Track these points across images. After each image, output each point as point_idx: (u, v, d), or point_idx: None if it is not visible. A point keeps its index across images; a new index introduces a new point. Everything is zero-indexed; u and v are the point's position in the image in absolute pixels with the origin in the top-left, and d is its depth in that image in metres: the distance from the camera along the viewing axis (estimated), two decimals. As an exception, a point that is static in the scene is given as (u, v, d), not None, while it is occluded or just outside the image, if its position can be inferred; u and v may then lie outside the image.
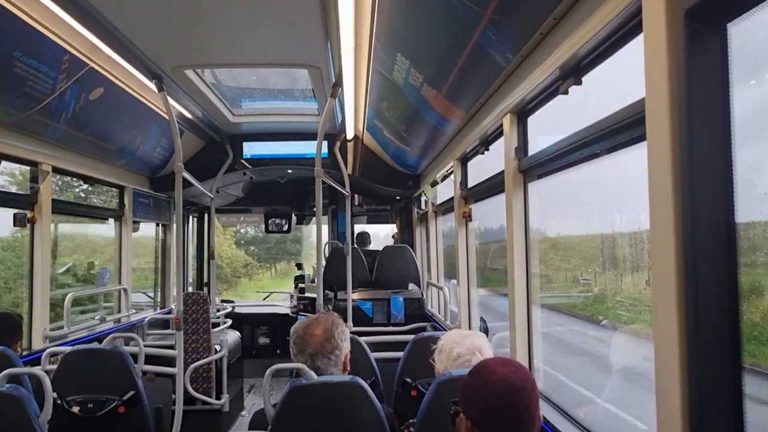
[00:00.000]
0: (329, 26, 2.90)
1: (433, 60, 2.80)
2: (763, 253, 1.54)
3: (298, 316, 5.85)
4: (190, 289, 7.71)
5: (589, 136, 1.92)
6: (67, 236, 8.07)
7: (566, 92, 2.11)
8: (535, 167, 2.55)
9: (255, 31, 3.10)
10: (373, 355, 3.25)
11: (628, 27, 1.59)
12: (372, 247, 7.65)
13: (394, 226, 8.23)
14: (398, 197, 6.87)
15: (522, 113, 2.64)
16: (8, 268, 7.03)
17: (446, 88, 2.95)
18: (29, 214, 3.99)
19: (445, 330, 4.08)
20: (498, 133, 3.03)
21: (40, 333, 3.97)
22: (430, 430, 2.12)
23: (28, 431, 2.32)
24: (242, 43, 3.30)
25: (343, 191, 4.90)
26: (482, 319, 4.00)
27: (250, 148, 5.82)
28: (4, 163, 3.71)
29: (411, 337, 3.28)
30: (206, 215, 7.69)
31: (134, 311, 5.58)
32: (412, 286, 5.79)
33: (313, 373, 2.21)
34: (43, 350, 3.54)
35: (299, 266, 8.43)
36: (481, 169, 3.73)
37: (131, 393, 3.22)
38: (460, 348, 2.22)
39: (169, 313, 6.28)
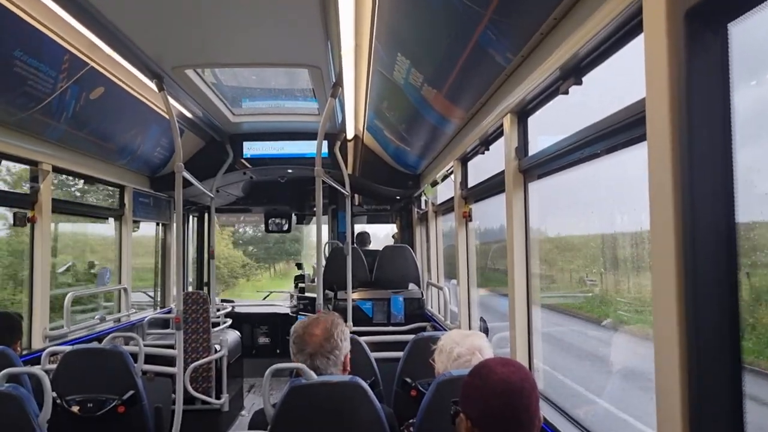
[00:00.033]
0: (329, 26, 2.90)
1: (433, 60, 2.80)
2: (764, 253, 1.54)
3: (298, 316, 5.86)
4: (190, 289, 7.71)
5: (590, 136, 1.92)
6: (64, 235, 8.05)
7: (566, 92, 2.11)
8: (536, 167, 2.55)
9: (255, 31, 3.10)
10: (372, 355, 3.25)
11: (629, 27, 1.59)
12: (372, 247, 7.65)
13: (394, 225, 8.23)
14: (398, 197, 6.87)
15: (522, 113, 2.64)
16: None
17: (446, 88, 2.95)
18: (29, 214, 3.99)
19: (445, 330, 4.08)
20: (498, 133, 3.03)
21: (40, 332, 3.97)
22: (430, 430, 2.12)
23: (27, 431, 2.32)
24: (242, 43, 3.30)
25: (343, 191, 4.90)
26: (482, 319, 4.00)
27: (250, 148, 5.82)
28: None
29: (411, 337, 3.28)
30: (206, 215, 7.69)
31: (134, 311, 5.57)
32: (412, 286, 5.79)
33: (312, 373, 2.21)
34: (43, 350, 3.54)
35: (299, 266, 8.44)
36: (481, 169, 3.73)
37: (131, 392, 3.22)
38: (460, 348, 2.22)
39: (169, 312, 6.28)
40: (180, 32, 3.08)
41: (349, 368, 2.38)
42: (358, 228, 7.97)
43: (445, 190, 4.96)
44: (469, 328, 4.01)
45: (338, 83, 3.61)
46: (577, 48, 1.81)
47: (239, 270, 22.39)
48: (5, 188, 5.53)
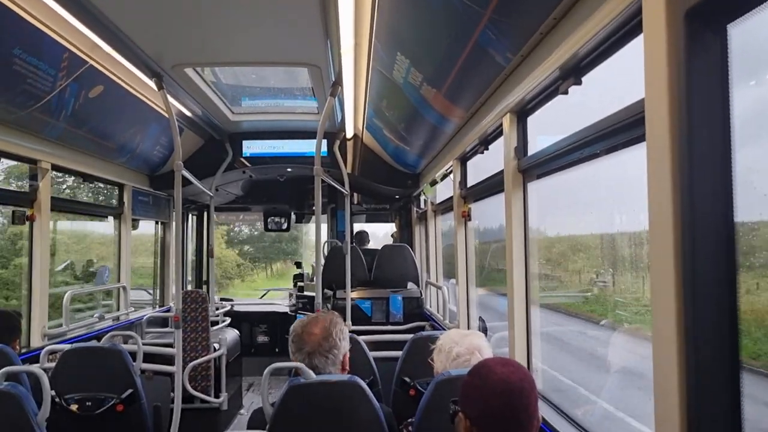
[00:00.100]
0: (329, 25, 2.90)
1: (432, 59, 2.80)
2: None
3: (297, 315, 5.86)
4: (189, 287, 7.71)
5: (589, 137, 1.92)
6: (61, 233, 8.03)
7: (566, 92, 2.11)
8: (535, 167, 2.55)
9: (255, 30, 3.10)
10: (371, 354, 3.26)
11: (628, 27, 1.59)
12: (371, 246, 7.66)
13: (393, 225, 8.23)
14: (397, 196, 6.87)
15: (522, 113, 2.64)
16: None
17: (446, 88, 2.95)
18: (28, 212, 3.99)
19: (444, 329, 4.08)
20: (497, 132, 3.03)
21: (39, 331, 3.96)
22: (429, 430, 2.12)
23: (26, 429, 2.32)
24: (242, 42, 3.30)
25: (343, 190, 4.90)
26: (481, 319, 4.01)
27: (250, 147, 5.82)
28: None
29: (410, 336, 3.28)
30: (205, 213, 7.69)
31: (133, 309, 5.57)
32: (411, 285, 5.79)
33: (311, 372, 2.21)
34: (42, 348, 3.54)
35: (298, 265, 8.44)
36: (480, 168, 3.72)
37: (130, 391, 3.22)
38: (460, 348, 2.22)
39: (168, 311, 6.28)
40: (179, 31, 3.08)
41: (348, 367, 2.38)
42: (357, 227, 7.97)
43: (445, 190, 4.96)
44: (468, 328, 4.02)
45: (338, 82, 3.61)
46: (577, 48, 1.81)
47: (232, 270, 21.87)
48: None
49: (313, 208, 3.89)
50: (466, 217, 4.00)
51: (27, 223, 3.99)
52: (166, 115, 4.06)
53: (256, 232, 21.99)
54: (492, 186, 3.32)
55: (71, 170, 4.51)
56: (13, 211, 3.94)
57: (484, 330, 3.84)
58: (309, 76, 3.85)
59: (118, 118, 4.31)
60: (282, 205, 8.11)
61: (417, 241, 6.75)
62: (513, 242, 2.69)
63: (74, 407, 3.14)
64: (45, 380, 2.57)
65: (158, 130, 4.94)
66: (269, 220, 8.25)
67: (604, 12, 1.60)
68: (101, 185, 5.32)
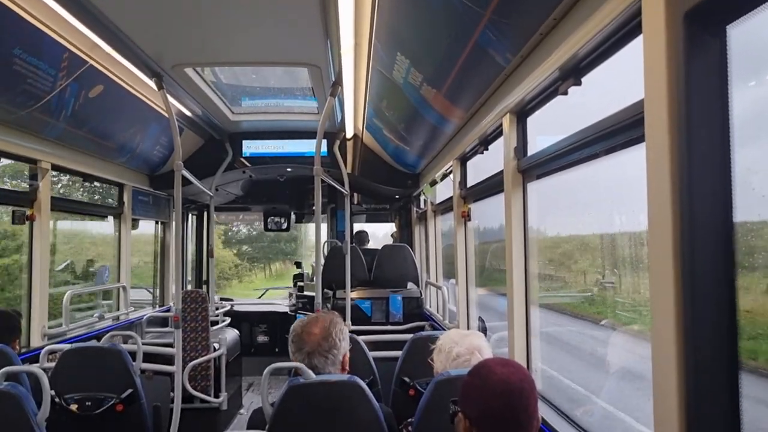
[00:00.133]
0: (329, 25, 2.91)
1: (432, 59, 2.80)
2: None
3: (297, 315, 5.86)
4: (189, 287, 7.71)
5: (589, 137, 1.92)
6: (60, 233, 8.02)
7: (566, 93, 2.11)
8: (535, 167, 2.55)
9: (255, 30, 3.10)
10: (371, 354, 3.26)
11: (628, 28, 1.60)
12: (371, 246, 7.66)
13: (393, 225, 8.24)
14: (397, 196, 6.87)
15: (521, 113, 2.64)
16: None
17: (446, 88, 2.95)
18: (28, 212, 3.99)
19: (444, 329, 4.08)
20: (497, 133, 3.04)
21: (39, 330, 3.97)
22: (428, 430, 2.12)
23: (26, 429, 2.32)
24: (242, 42, 3.30)
25: (343, 190, 4.90)
26: (481, 319, 4.01)
27: (250, 147, 5.82)
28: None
29: (409, 336, 3.28)
30: (205, 213, 7.69)
31: (133, 309, 5.57)
32: (410, 285, 5.79)
33: (311, 372, 2.21)
34: (42, 348, 3.54)
35: (298, 264, 8.44)
36: (480, 168, 3.72)
37: (129, 391, 3.22)
38: (460, 348, 2.22)
39: (168, 310, 6.28)
40: (180, 31, 3.08)
41: (348, 368, 2.38)
42: (357, 227, 7.98)
43: (444, 190, 4.96)
44: (468, 328, 4.02)
45: (338, 82, 3.61)
46: (577, 49, 1.81)
47: (229, 272, 21.32)
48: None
49: (313, 208, 3.89)
50: (466, 217, 4.01)
51: (27, 223, 4.00)
52: (166, 115, 4.07)
53: (254, 232, 21.69)
54: (492, 186, 3.33)
55: (71, 170, 4.51)
56: (13, 211, 3.94)
57: (483, 330, 3.84)
58: (309, 76, 3.85)
59: (118, 118, 4.32)
60: (282, 205, 8.12)
61: (417, 241, 6.75)
62: (512, 242, 2.70)
63: (74, 407, 3.14)
64: (45, 380, 2.58)
65: (158, 130, 4.94)
66: (269, 220, 8.25)
67: (603, 13, 1.61)
68: (96, 184, 5.30)
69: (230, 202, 7.86)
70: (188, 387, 4.27)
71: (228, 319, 5.65)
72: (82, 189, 6.75)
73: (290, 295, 6.95)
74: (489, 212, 3.93)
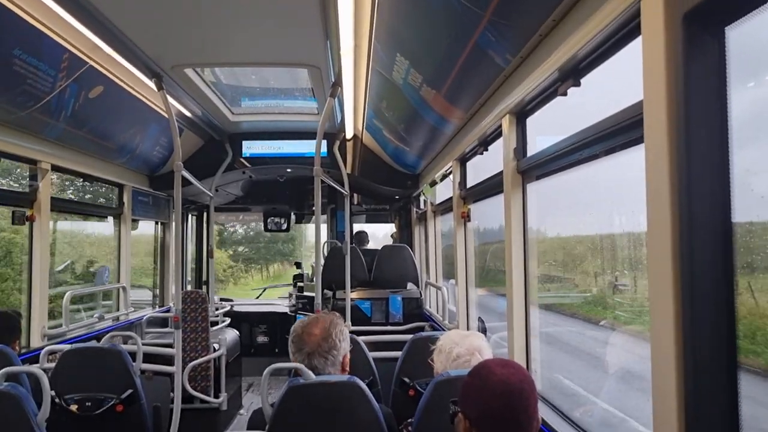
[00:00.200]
0: (329, 26, 2.91)
1: (432, 60, 2.80)
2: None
3: (297, 315, 5.86)
4: (189, 288, 7.71)
5: (588, 138, 1.92)
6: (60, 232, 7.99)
7: (565, 94, 2.12)
8: (534, 168, 2.56)
9: (255, 31, 3.10)
10: (371, 355, 3.26)
11: (627, 29, 1.60)
12: (371, 246, 7.66)
13: (393, 225, 8.24)
14: (397, 197, 6.88)
15: (521, 114, 2.64)
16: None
17: (445, 89, 2.95)
18: (28, 212, 3.99)
19: (444, 330, 4.08)
20: (497, 133, 3.04)
21: (39, 331, 3.97)
22: (428, 430, 2.12)
23: (26, 430, 2.32)
24: (242, 42, 3.30)
25: (342, 190, 4.90)
26: (480, 319, 4.01)
27: (250, 147, 5.83)
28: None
29: (409, 336, 3.28)
30: (205, 214, 7.69)
31: (133, 309, 5.58)
32: (410, 285, 5.79)
33: (311, 373, 2.21)
34: (42, 348, 3.54)
35: (298, 265, 8.44)
36: (480, 169, 3.72)
37: (129, 391, 3.23)
38: (460, 348, 2.22)
39: (168, 311, 6.28)
40: (179, 31, 3.08)
41: (348, 369, 2.38)
42: (357, 227, 7.98)
43: (444, 190, 4.97)
44: (467, 328, 4.02)
45: (337, 83, 3.61)
46: (576, 50, 1.82)
47: (222, 274, 20.26)
48: None
49: (313, 208, 3.89)
50: (466, 217, 4.01)
51: (27, 223, 4.00)
52: (166, 116, 4.07)
53: (251, 232, 21.34)
54: (491, 187, 3.33)
55: (71, 170, 4.51)
56: (13, 212, 3.94)
57: (483, 330, 3.84)
58: (309, 76, 3.86)
59: (117, 119, 4.32)
60: (282, 205, 8.12)
61: (417, 242, 6.75)
62: (512, 243, 2.70)
63: (74, 407, 3.14)
64: (45, 380, 2.58)
65: (158, 131, 4.95)
66: (269, 220, 8.26)
67: (602, 14, 1.61)
68: (87, 183, 5.28)
69: (230, 202, 7.87)
70: (188, 387, 4.27)
71: (228, 320, 5.65)
72: (73, 188, 6.74)
73: (290, 295, 6.95)
74: (489, 213, 3.93)
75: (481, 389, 1.51)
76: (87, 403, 3.17)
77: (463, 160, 3.94)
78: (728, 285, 1.21)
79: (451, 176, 4.21)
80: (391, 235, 8.33)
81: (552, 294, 4.13)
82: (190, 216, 7.88)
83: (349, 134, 5.57)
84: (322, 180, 3.77)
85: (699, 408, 1.21)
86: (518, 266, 2.70)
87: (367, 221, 8.56)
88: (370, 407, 2.14)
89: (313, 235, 5.06)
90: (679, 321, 1.24)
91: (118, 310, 5.41)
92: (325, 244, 6.75)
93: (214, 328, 5.09)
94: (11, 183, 6.35)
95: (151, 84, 3.52)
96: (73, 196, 6.75)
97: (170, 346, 3.77)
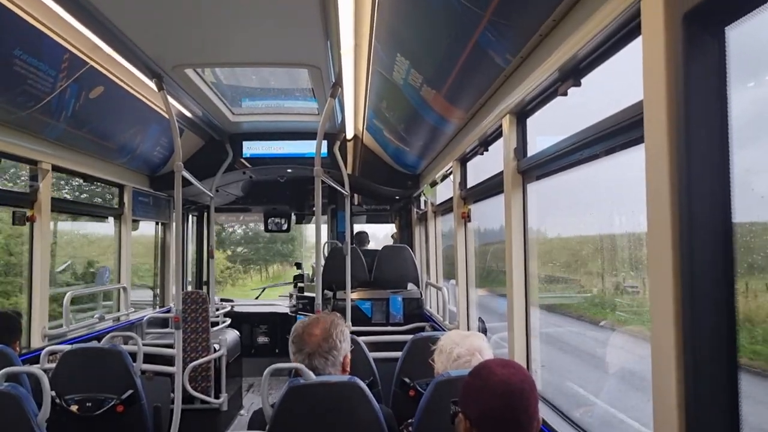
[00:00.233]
0: (329, 26, 2.91)
1: (432, 60, 2.80)
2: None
3: (297, 316, 5.86)
4: (189, 288, 7.71)
5: (588, 138, 1.92)
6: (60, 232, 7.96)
7: (565, 94, 2.12)
8: (534, 168, 2.56)
9: (255, 31, 3.10)
10: (371, 355, 3.26)
11: (627, 29, 1.60)
12: (371, 246, 7.66)
13: (394, 225, 8.24)
14: (398, 197, 6.87)
15: (521, 114, 2.64)
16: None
17: (446, 89, 2.95)
18: (28, 213, 3.99)
19: (444, 330, 4.08)
20: (497, 133, 3.04)
21: (39, 331, 3.97)
22: (429, 430, 2.12)
23: (26, 430, 2.32)
24: (242, 43, 3.30)
25: (343, 191, 4.90)
26: (481, 320, 4.01)
27: (250, 148, 5.83)
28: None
29: (410, 337, 3.28)
30: (206, 214, 7.70)
31: (133, 310, 5.58)
32: (411, 286, 5.79)
33: (311, 373, 2.21)
34: (42, 349, 3.54)
35: (298, 266, 8.45)
36: (480, 169, 3.72)
37: (130, 392, 3.23)
38: (461, 349, 2.22)
39: (168, 311, 6.28)
40: (180, 31, 3.08)
41: (348, 369, 2.38)
42: (358, 228, 7.98)
43: (445, 191, 4.96)
44: (468, 329, 4.02)
45: (338, 83, 3.61)
46: (576, 50, 1.81)
47: (219, 275, 18.96)
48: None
49: (314, 208, 3.89)
50: (466, 218, 4.01)
51: (27, 224, 4.00)
52: (167, 116, 4.07)
53: (250, 232, 21.05)
54: (492, 187, 3.33)
55: (72, 171, 4.52)
56: (14, 212, 3.95)
57: (483, 331, 3.84)
58: (309, 77, 3.86)
59: (118, 119, 4.32)
60: (282, 205, 8.12)
61: (417, 242, 6.75)
62: (512, 243, 2.70)
63: (74, 408, 3.14)
64: (45, 381, 2.58)
65: (158, 131, 4.95)
66: (269, 220, 8.26)
67: (603, 14, 1.61)
68: (83, 181, 5.26)
69: (230, 203, 7.87)
70: (188, 388, 4.27)
71: (228, 320, 5.65)
72: (71, 188, 6.73)
73: (290, 296, 6.95)
74: (489, 213, 3.92)
75: (481, 389, 1.51)
76: (87, 404, 3.17)
77: (463, 161, 3.94)
78: (728, 285, 1.21)
79: (451, 176, 4.21)
80: (392, 236, 8.33)
81: (558, 294, 4.08)
82: (190, 216, 7.88)
83: (349, 134, 5.57)
84: (322, 180, 3.77)
85: (699, 408, 1.21)
86: (518, 266, 2.70)
87: (368, 221, 8.57)
88: (371, 407, 2.14)
89: (312, 236, 5.07)
90: (679, 321, 1.24)
91: (118, 310, 5.41)
92: (326, 245, 6.75)
93: (215, 328, 5.09)
94: (5, 182, 6.33)
95: (152, 84, 3.52)
96: (68, 196, 6.73)
97: (171, 346, 3.77)
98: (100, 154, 4.68)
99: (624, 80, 1.71)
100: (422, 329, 4.97)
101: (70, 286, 7.30)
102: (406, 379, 3.04)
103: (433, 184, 5.03)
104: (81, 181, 4.93)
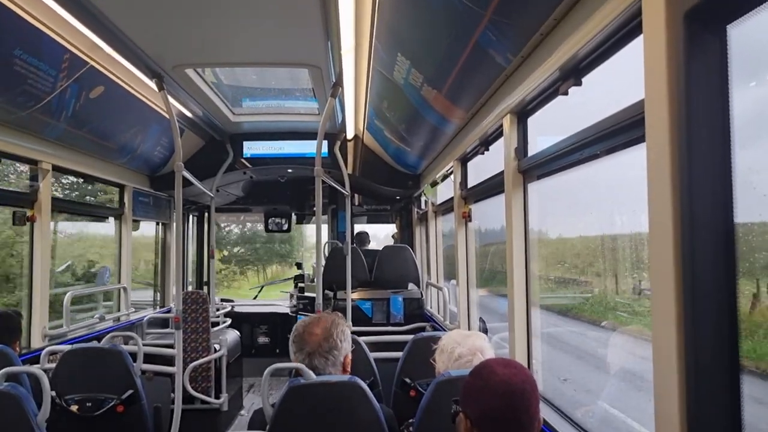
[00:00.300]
0: (329, 26, 2.91)
1: (433, 60, 2.80)
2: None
3: (298, 316, 5.86)
4: (190, 288, 7.71)
5: (589, 137, 1.92)
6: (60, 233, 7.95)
7: (566, 93, 2.11)
8: (535, 168, 2.55)
9: (255, 30, 3.10)
10: (372, 355, 3.25)
11: (628, 28, 1.59)
12: (372, 246, 7.66)
13: (394, 225, 8.23)
14: (398, 197, 6.87)
15: (522, 114, 2.64)
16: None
17: (446, 88, 2.95)
18: (29, 213, 3.99)
19: (445, 330, 4.08)
20: (498, 133, 3.03)
21: (39, 331, 3.97)
22: (429, 431, 2.12)
23: (26, 430, 2.32)
24: (243, 42, 3.30)
25: (343, 191, 4.90)
26: (481, 320, 4.00)
27: (251, 148, 5.83)
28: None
29: (410, 337, 3.28)
30: (206, 214, 7.70)
31: (133, 310, 5.58)
32: (411, 286, 5.79)
33: (311, 373, 2.21)
34: (42, 349, 3.54)
35: (299, 266, 8.44)
36: (481, 169, 3.72)
37: (130, 392, 3.22)
38: (462, 348, 2.22)
39: (169, 311, 6.28)
40: (180, 31, 3.08)
41: (349, 369, 2.38)
42: (358, 228, 7.98)
43: (445, 191, 4.96)
44: (468, 329, 4.01)
45: (338, 83, 3.61)
46: (577, 49, 1.81)
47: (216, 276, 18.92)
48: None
49: (314, 208, 3.89)
50: (467, 217, 4.00)
51: (27, 224, 4.00)
52: (167, 116, 4.07)
53: (247, 232, 20.80)
54: (492, 187, 3.32)
55: (72, 171, 4.52)
56: (14, 212, 3.95)
57: (484, 330, 3.84)
58: (309, 76, 3.85)
59: (118, 119, 4.32)
60: (283, 205, 8.12)
61: (418, 242, 6.75)
62: (513, 243, 2.69)
63: (74, 408, 3.14)
64: (45, 381, 2.58)
65: (159, 131, 4.95)
66: (270, 220, 8.26)
67: (603, 13, 1.61)
68: (76, 180, 5.24)
69: (231, 203, 7.87)
70: (189, 388, 4.26)
71: (229, 320, 5.65)
72: (65, 188, 6.72)
73: (291, 296, 6.95)
74: (490, 213, 3.91)
75: (482, 389, 1.50)
76: (87, 404, 3.16)
77: (464, 160, 3.93)
78: (730, 285, 1.20)
79: (452, 176, 4.20)
80: (392, 236, 8.33)
81: (569, 294, 4.02)
82: (191, 216, 7.88)
83: (350, 134, 5.57)
84: (322, 180, 3.77)
85: (701, 409, 1.20)
86: (519, 266, 2.69)
87: (368, 222, 8.56)
88: (371, 407, 2.14)
89: (312, 236, 5.07)
90: (680, 321, 1.24)
91: (118, 310, 5.41)
92: (326, 245, 6.75)
93: (215, 328, 5.09)
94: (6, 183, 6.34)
95: (152, 84, 3.52)
96: (60, 195, 6.72)
97: (171, 346, 3.77)
98: (101, 154, 4.68)
99: (625, 79, 1.71)
100: (423, 329, 4.97)
101: (70, 286, 7.30)
102: (407, 380, 3.03)
103: (434, 183, 5.02)
104: (75, 179, 4.92)
